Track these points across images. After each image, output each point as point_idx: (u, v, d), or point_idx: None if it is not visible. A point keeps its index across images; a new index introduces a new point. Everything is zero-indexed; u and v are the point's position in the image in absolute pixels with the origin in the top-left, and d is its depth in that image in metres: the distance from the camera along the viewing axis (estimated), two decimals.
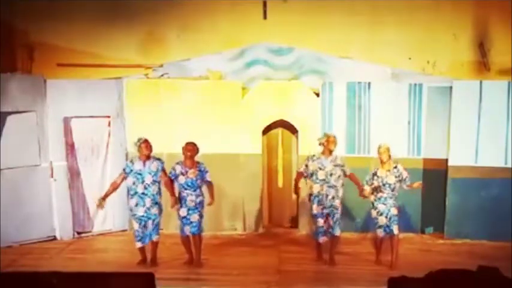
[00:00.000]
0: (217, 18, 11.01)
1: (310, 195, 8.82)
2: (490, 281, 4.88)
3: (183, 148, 8.51)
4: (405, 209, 9.84)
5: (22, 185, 9.65)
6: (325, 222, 8.70)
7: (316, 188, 8.69)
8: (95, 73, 10.80)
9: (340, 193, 8.72)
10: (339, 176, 8.68)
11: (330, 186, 8.64)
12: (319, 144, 8.73)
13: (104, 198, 8.59)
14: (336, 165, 8.67)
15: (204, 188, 8.64)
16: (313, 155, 8.82)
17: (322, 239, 8.80)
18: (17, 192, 9.57)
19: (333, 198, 8.65)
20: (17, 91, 9.57)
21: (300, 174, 8.91)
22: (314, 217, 8.80)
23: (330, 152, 8.68)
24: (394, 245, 8.53)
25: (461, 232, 10.10)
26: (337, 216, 8.68)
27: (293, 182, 9.17)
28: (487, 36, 11.00)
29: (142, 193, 8.44)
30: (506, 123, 9.97)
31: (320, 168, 8.66)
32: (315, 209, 8.70)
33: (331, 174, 8.65)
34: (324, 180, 8.64)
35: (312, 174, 8.72)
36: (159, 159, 8.59)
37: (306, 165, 8.76)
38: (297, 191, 9.10)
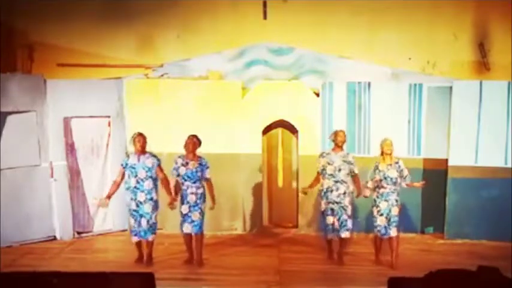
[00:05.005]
0: (217, 18, 11.02)
1: (321, 191, 8.82)
2: (490, 281, 4.88)
3: (185, 141, 8.52)
4: (405, 209, 9.82)
5: (22, 185, 9.64)
6: (335, 219, 8.69)
7: (325, 184, 8.70)
8: (95, 73, 10.81)
9: (351, 189, 8.71)
10: (348, 173, 8.70)
11: (337, 182, 8.63)
12: (330, 139, 8.87)
13: (107, 197, 8.62)
14: (345, 161, 8.68)
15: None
16: (323, 152, 8.97)
17: (331, 236, 8.79)
18: (17, 192, 9.56)
19: (344, 194, 8.64)
20: (17, 91, 9.56)
21: (319, 175, 8.84)
22: (323, 214, 8.81)
23: (339, 147, 8.72)
24: (393, 246, 8.48)
25: (461, 232, 10.10)
26: (345, 217, 8.65)
27: (311, 182, 8.99)
28: (487, 36, 11.01)
29: (135, 187, 8.44)
30: (506, 123, 9.97)
31: (329, 163, 8.68)
32: (324, 204, 8.72)
33: (339, 170, 8.65)
34: (331, 175, 8.65)
35: (322, 170, 8.75)
36: (155, 156, 8.59)
37: (319, 162, 8.79)
38: (306, 190, 8.97)
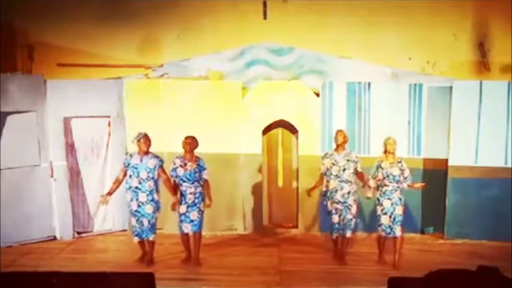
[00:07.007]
0: (217, 18, 11.01)
1: (325, 191, 8.83)
2: (490, 281, 4.88)
3: (182, 142, 8.57)
4: (405, 209, 9.82)
5: (22, 185, 9.64)
6: (340, 218, 8.71)
7: (331, 184, 8.72)
8: (95, 73, 10.80)
9: (355, 188, 8.72)
10: (353, 172, 8.72)
11: (342, 181, 8.67)
12: (334, 141, 8.87)
13: (108, 194, 8.62)
14: (349, 160, 8.71)
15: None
16: (327, 153, 8.96)
17: (336, 236, 8.81)
18: (17, 192, 9.56)
19: (348, 193, 8.66)
20: (17, 91, 9.56)
21: (323, 176, 8.87)
22: (329, 213, 8.83)
23: (342, 147, 8.74)
24: (396, 245, 8.49)
25: (461, 232, 10.10)
26: (349, 216, 8.66)
27: (315, 183, 9.01)
28: (487, 36, 11.01)
29: (136, 187, 8.44)
30: (506, 123, 9.97)
31: (333, 164, 8.71)
32: (329, 204, 8.75)
33: (344, 170, 8.68)
34: (336, 175, 8.68)
35: (326, 171, 8.76)
36: (158, 156, 8.58)
37: (323, 164, 8.81)
38: (310, 192, 9.01)
